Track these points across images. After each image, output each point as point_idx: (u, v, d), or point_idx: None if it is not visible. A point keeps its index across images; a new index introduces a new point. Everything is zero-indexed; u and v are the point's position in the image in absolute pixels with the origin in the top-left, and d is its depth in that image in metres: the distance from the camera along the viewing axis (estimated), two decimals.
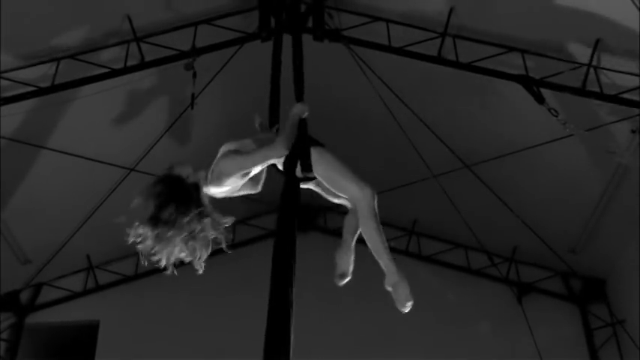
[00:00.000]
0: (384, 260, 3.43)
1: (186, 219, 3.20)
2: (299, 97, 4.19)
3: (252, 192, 3.76)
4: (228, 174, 3.43)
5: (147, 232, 3.18)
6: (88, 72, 6.84)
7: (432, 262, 9.68)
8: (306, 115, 3.78)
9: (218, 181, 3.43)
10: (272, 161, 3.61)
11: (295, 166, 3.61)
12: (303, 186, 3.72)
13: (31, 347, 9.26)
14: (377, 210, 3.48)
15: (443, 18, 6.90)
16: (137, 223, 3.22)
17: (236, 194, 3.68)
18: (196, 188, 3.36)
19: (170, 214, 3.18)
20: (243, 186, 3.65)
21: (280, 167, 3.71)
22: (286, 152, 3.51)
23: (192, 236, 3.21)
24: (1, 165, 7.32)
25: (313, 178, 3.63)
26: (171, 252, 3.20)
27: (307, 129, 3.79)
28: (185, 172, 3.38)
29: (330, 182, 3.59)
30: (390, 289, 3.43)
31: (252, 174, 3.57)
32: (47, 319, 9.29)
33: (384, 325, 8.89)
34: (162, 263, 3.22)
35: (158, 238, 3.17)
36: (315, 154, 3.60)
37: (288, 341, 2.87)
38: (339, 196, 3.69)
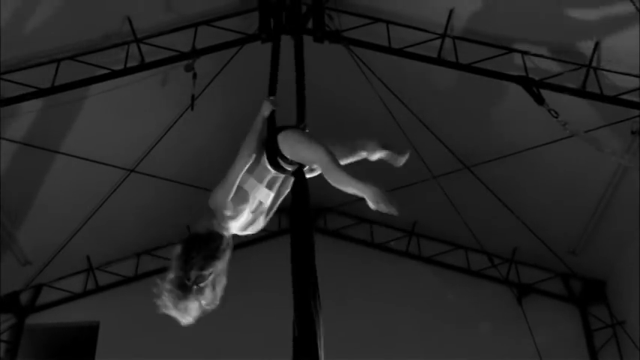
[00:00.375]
0: (357, 187, 3.39)
1: (208, 269, 3.31)
2: (272, 92, 4.19)
3: (286, 192, 3.78)
4: (223, 204, 3.49)
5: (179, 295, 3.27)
6: (88, 73, 6.84)
7: (432, 264, 9.68)
8: (268, 113, 3.78)
9: (223, 216, 3.50)
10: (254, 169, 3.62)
11: (277, 163, 3.62)
12: (310, 175, 3.72)
13: (31, 348, 9.25)
14: (334, 159, 3.47)
15: (443, 19, 6.90)
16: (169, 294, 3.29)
17: (274, 208, 3.74)
18: (210, 236, 3.41)
19: (194, 271, 3.28)
20: (277, 196, 3.69)
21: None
22: (250, 156, 3.55)
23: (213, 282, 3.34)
24: (1, 166, 7.33)
25: (297, 164, 3.64)
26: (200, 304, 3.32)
27: (274, 121, 3.78)
28: (199, 227, 3.45)
29: (296, 158, 3.60)
30: (374, 206, 3.40)
31: (254, 195, 3.58)
32: (47, 320, 9.28)
33: (385, 326, 8.89)
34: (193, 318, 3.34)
35: (191, 297, 3.28)
36: (280, 139, 3.62)
37: (316, 344, 2.89)
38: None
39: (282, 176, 3.70)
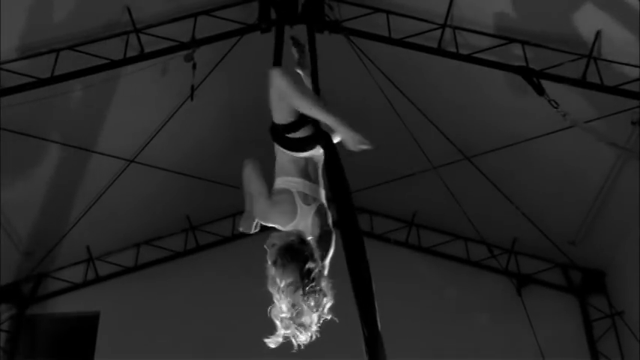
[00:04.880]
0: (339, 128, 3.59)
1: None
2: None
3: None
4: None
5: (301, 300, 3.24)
6: (88, 63, 6.83)
7: (431, 254, 9.69)
8: None
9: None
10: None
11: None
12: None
13: (31, 338, 9.29)
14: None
15: (443, 9, 6.88)
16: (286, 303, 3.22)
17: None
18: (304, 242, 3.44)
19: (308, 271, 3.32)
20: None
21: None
22: None
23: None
24: (1, 156, 7.32)
25: None
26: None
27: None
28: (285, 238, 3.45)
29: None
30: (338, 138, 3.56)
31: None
32: (48, 311, 9.32)
33: (384, 316, 8.89)
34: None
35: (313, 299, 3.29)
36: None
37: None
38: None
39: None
